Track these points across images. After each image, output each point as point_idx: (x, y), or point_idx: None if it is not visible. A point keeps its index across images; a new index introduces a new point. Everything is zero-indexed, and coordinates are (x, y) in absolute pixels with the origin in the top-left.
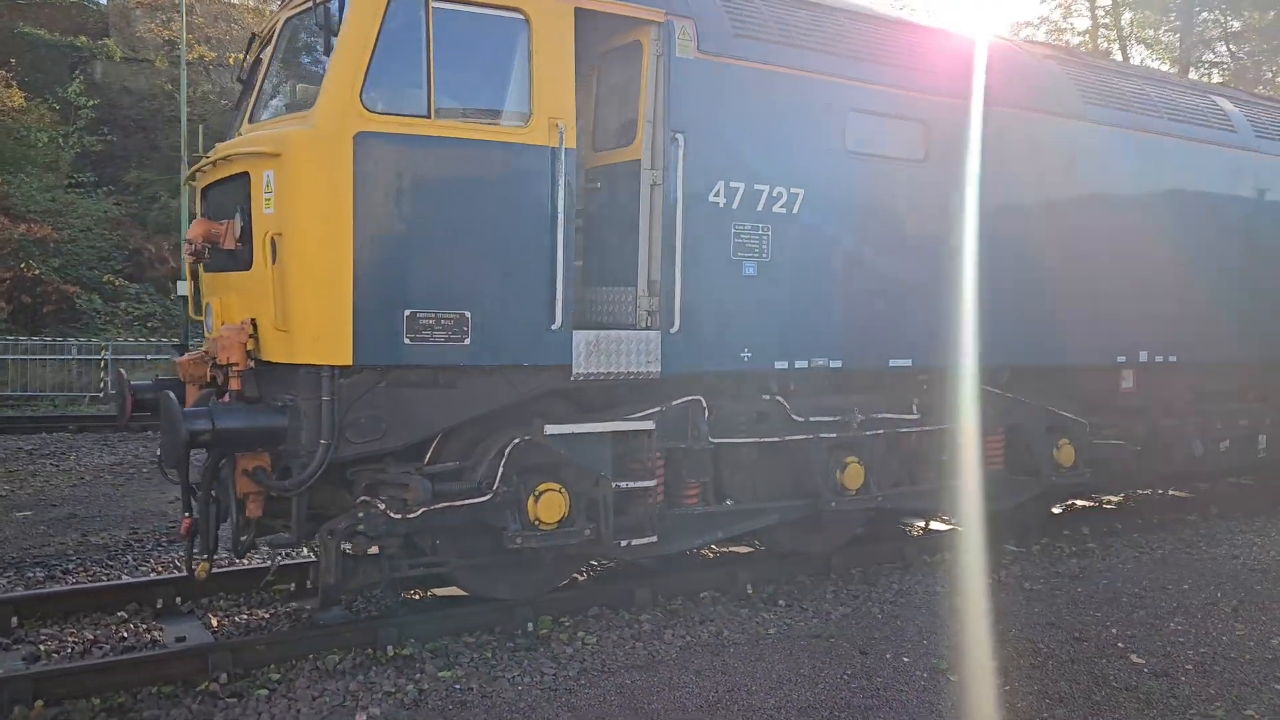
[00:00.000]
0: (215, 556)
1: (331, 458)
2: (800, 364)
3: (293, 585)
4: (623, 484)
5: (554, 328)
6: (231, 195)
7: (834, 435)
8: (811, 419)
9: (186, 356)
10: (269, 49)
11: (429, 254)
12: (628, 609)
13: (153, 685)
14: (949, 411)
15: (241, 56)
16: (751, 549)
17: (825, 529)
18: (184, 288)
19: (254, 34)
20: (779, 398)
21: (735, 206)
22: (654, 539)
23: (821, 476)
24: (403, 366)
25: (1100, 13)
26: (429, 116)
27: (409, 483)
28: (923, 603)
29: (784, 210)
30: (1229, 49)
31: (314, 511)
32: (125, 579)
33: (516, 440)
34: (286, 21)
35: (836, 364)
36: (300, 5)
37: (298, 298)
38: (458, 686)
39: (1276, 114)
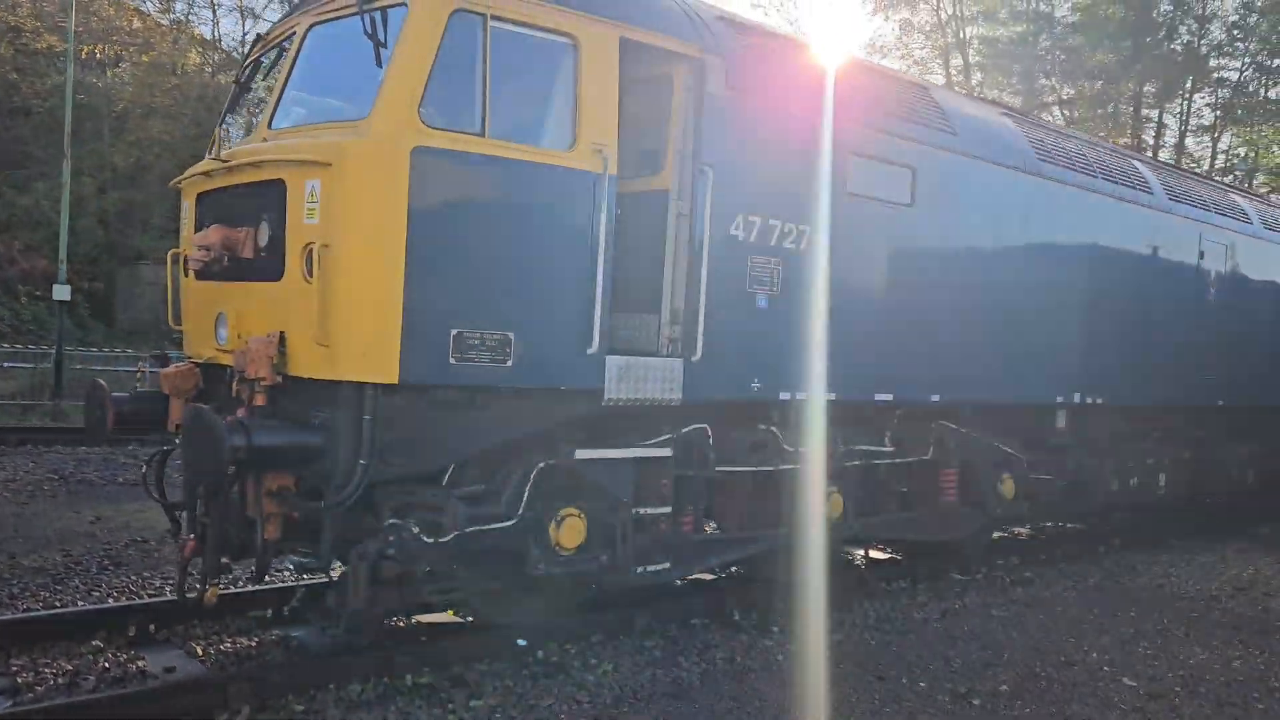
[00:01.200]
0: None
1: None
2: (800, 395)
3: (269, 611)
4: (641, 510)
5: (590, 352)
6: (254, 202)
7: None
8: (800, 449)
9: (173, 368)
10: (290, 54)
11: (476, 273)
12: (628, 635)
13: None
14: (915, 445)
15: (241, 58)
16: (714, 576)
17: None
18: (62, 291)
19: (259, 36)
20: (773, 428)
21: (752, 240)
22: (668, 565)
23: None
24: (442, 387)
25: (954, 72)
26: (482, 135)
27: (445, 505)
28: (907, 626)
29: (793, 246)
30: (1063, 113)
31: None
32: (84, 605)
33: (542, 464)
34: (312, 28)
35: (831, 396)
36: (331, 12)
37: (344, 312)
38: (498, 716)
39: (1180, 179)
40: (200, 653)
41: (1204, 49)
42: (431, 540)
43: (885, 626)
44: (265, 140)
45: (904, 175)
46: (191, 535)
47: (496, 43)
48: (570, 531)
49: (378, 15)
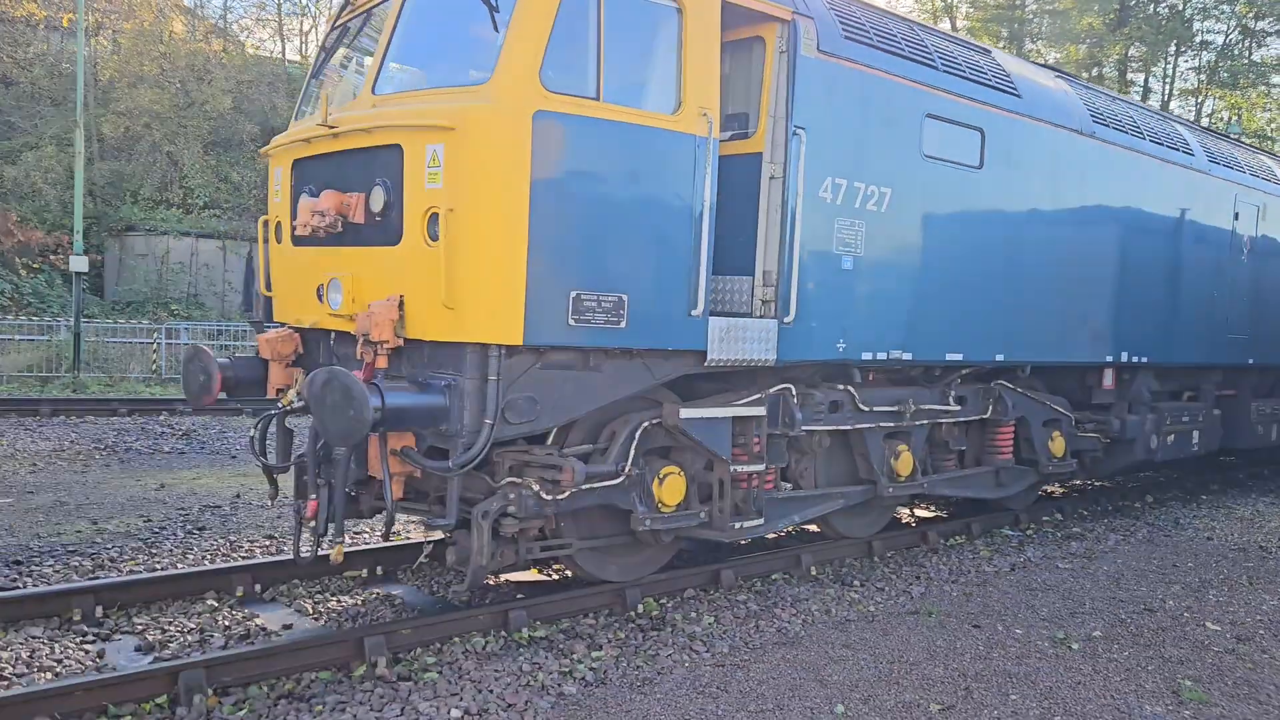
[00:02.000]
0: (269, 541)
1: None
2: (881, 355)
3: (364, 571)
4: (739, 468)
5: (694, 313)
6: (367, 168)
7: (891, 425)
8: (875, 409)
9: (272, 333)
10: (390, 20)
11: (592, 236)
12: (717, 590)
13: (313, 671)
14: (976, 404)
15: (329, 22)
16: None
17: (870, 513)
18: (79, 262)
19: (348, 1)
20: (849, 388)
21: (838, 202)
22: (761, 521)
23: (879, 464)
24: (558, 348)
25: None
26: (597, 99)
27: (563, 464)
28: (981, 579)
29: (875, 208)
30: None
31: (441, 493)
32: (184, 567)
33: (646, 423)
34: None
35: (907, 356)
36: None
37: (470, 275)
38: (623, 664)
39: (1217, 141)
40: (310, 610)
41: (1189, 12)
42: (550, 498)
43: (961, 580)
44: (375, 107)
45: (973, 138)
46: (313, 496)
47: (608, 7)
48: (671, 489)
49: None
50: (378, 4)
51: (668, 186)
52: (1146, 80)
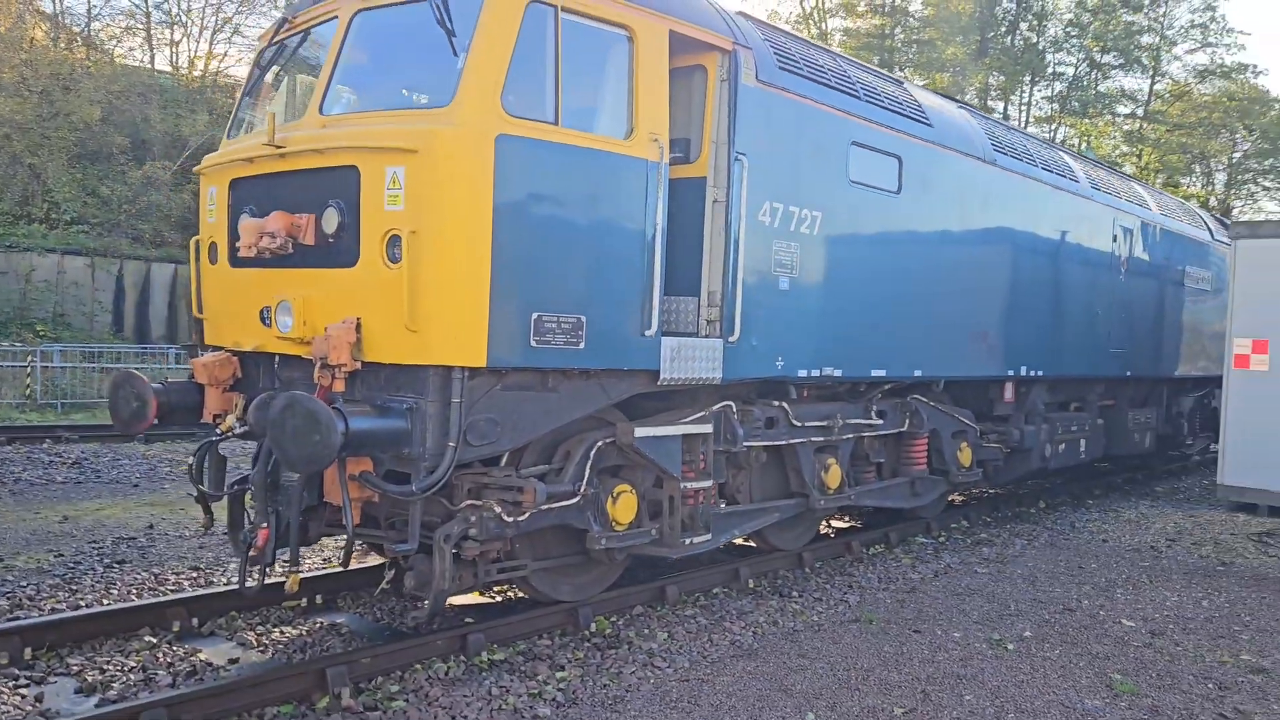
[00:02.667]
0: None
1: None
2: (815, 372)
3: (304, 601)
4: (688, 484)
5: (648, 334)
6: (318, 188)
7: (821, 439)
8: (806, 424)
9: (209, 357)
10: (336, 40)
11: (552, 258)
12: (663, 606)
13: (274, 705)
14: (894, 418)
15: (265, 39)
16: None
17: (799, 526)
18: None
19: (285, 19)
20: (784, 404)
21: (776, 225)
22: (709, 535)
23: (810, 477)
24: (518, 370)
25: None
26: (556, 123)
27: (524, 485)
28: (909, 586)
29: (808, 231)
30: None
31: (393, 518)
32: (115, 604)
33: (600, 443)
34: (358, 14)
35: (838, 373)
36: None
37: (434, 297)
38: (590, 684)
39: (1096, 168)
40: (254, 642)
41: (1042, 45)
42: (511, 519)
43: (891, 587)
44: (325, 127)
45: (892, 164)
46: (264, 524)
47: (565, 33)
48: (625, 507)
49: (446, 4)
50: (316, 24)
51: (622, 209)
52: (1005, 108)
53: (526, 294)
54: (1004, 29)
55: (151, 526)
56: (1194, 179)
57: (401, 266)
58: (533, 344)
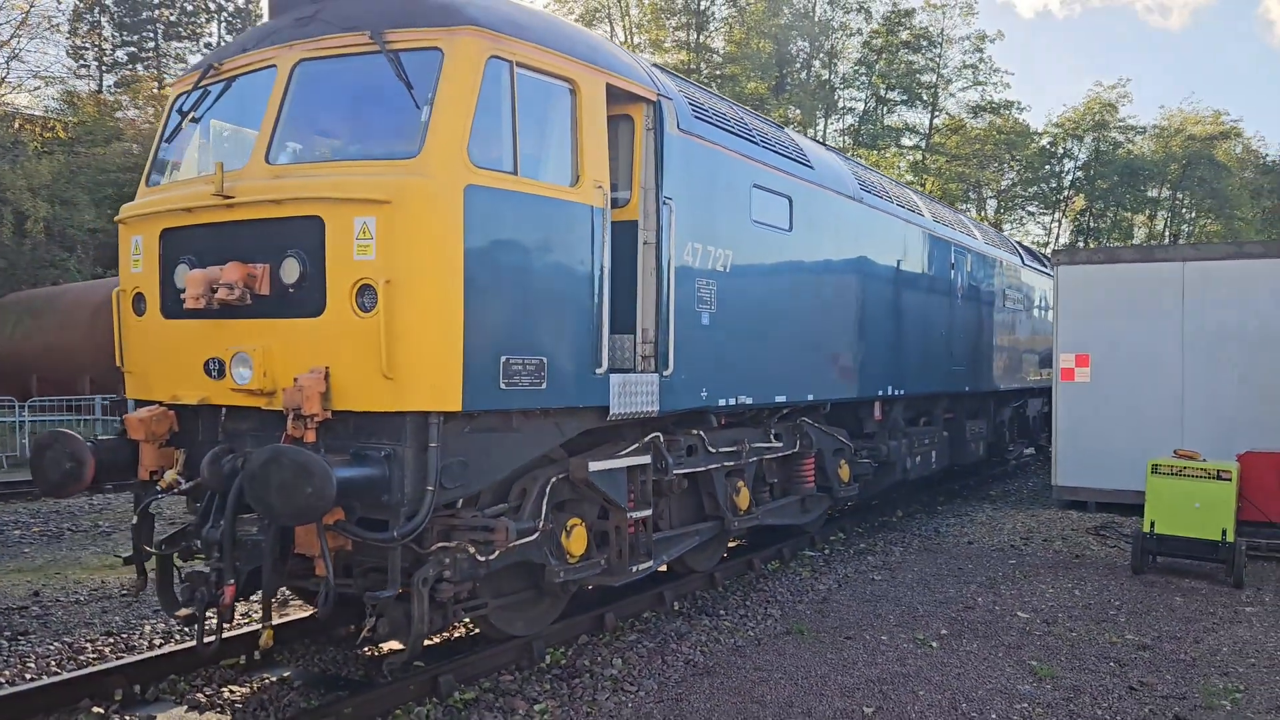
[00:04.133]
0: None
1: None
2: (731, 400)
3: (242, 658)
4: (633, 514)
5: (599, 371)
6: (274, 238)
7: (731, 464)
8: (720, 449)
9: (144, 412)
10: (278, 89)
11: (516, 302)
12: (603, 633)
13: None
14: (788, 440)
15: (186, 85)
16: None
17: (710, 547)
18: None
19: (210, 66)
20: (700, 432)
21: (696, 265)
22: (651, 562)
23: (724, 500)
24: (486, 412)
25: None
26: (515, 173)
27: (494, 525)
28: (820, 597)
29: (722, 269)
30: None
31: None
32: (50, 678)
33: (554, 479)
34: (301, 63)
35: (749, 400)
36: (327, 50)
37: (411, 344)
38: (575, 712)
39: (937, 204)
40: (206, 703)
41: (834, 81)
42: (484, 559)
43: (805, 599)
44: (276, 177)
45: (785, 204)
46: (231, 581)
47: (519, 87)
48: (578, 539)
49: (406, 58)
50: (246, 73)
51: (574, 253)
52: None
53: (495, 338)
54: (799, 66)
55: (37, 594)
56: (970, 205)
57: (376, 315)
58: (502, 386)
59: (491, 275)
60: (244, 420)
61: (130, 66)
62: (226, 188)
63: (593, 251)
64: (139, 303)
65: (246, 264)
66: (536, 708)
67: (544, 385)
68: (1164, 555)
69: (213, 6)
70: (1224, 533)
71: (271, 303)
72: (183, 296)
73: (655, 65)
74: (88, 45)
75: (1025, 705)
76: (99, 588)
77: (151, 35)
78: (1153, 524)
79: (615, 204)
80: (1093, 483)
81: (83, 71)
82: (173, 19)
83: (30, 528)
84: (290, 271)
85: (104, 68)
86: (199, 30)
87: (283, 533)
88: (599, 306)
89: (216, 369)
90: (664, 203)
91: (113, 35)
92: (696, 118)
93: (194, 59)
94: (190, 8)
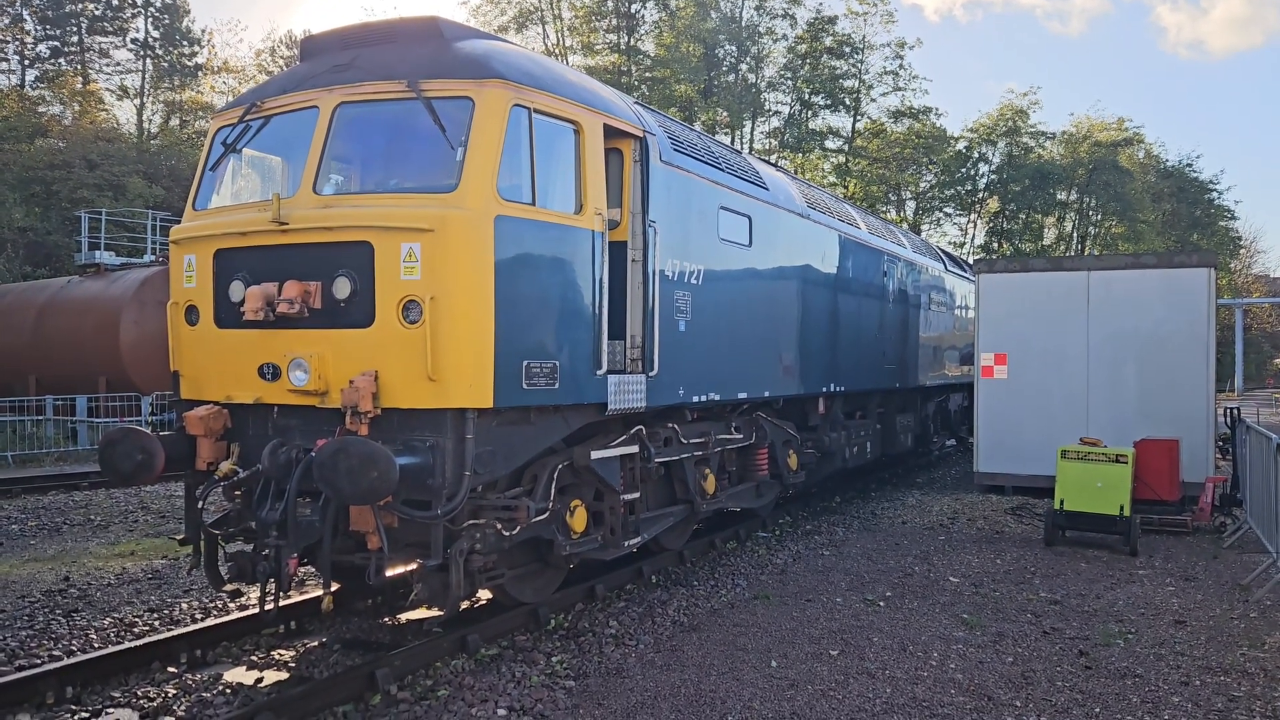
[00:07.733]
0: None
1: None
2: (702, 397)
3: (280, 627)
4: (626, 496)
5: (599, 373)
6: (321, 260)
7: (700, 453)
8: (690, 441)
9: (202, 410)
10: (321, 127)
11: (535, 314)
12: (594, 601)
13: (338, 705)
14: (746, 432)
15: (221, 122)
16: None
17: (679, 528)
18: None
19: (253, 103)
20: (675, 425)
21: (674, 278)
22: (640, 537)
23: (694, 485)
24: (511, 409)
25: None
26: (534, 204)
27: (516, 505)
28: (779, 570)
29: (695, 282)
30: None
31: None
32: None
33: (560, 465)
34: (341, 105)
35: (717, 397)
36: (366, 94)
37: (453, 351)
38: (590, 663)
39: (869, 216)
40: (264, 663)
41: (760, 85)
42: (508, 534)
43: (765, 572)
44: (326, 206)
45: (745, 223)
46: (294, 555)
47: (536, 129)
48: (579, 518)
49: (439, 104)
50: (282, 112)
51: (579, 272)
52: (732, 142)
53: (519, 345)
54: (726, 69)
55: (67, 578)
56: (890, 207)
57: (422, 326)
58: (524, 386)
59: (516, 292)
60: (293, 417)
61: (53, 61)
62: (283, 215)
63: (594, 270)
64: (191, 314)
65: (302, 282)
66: (554, 659)
67: (557, 385)
68: (1071, 529)
69: (139, 1)
70: (1122, 509)
71: (324, 315)
72: (241, 310)
73: (638, 102)
74: (9, 39)
75: (960, 646)
76: (122, 573)
77: (75, 29)
78: (1062, 502)
79: (608, 227)
80: (1010, 469)
81: (3, 66)
82: (97, 13)
83: (26, 523)
84: (342, 288)
85: (26, 62)
86: (125, 25)
87: (337, 513)
88: (599, 317)
89: (271, 372)
90: (649, 225)
91: (35, 29)
92: (675, 150)
93: (119, 54)
94: (115, 1)
